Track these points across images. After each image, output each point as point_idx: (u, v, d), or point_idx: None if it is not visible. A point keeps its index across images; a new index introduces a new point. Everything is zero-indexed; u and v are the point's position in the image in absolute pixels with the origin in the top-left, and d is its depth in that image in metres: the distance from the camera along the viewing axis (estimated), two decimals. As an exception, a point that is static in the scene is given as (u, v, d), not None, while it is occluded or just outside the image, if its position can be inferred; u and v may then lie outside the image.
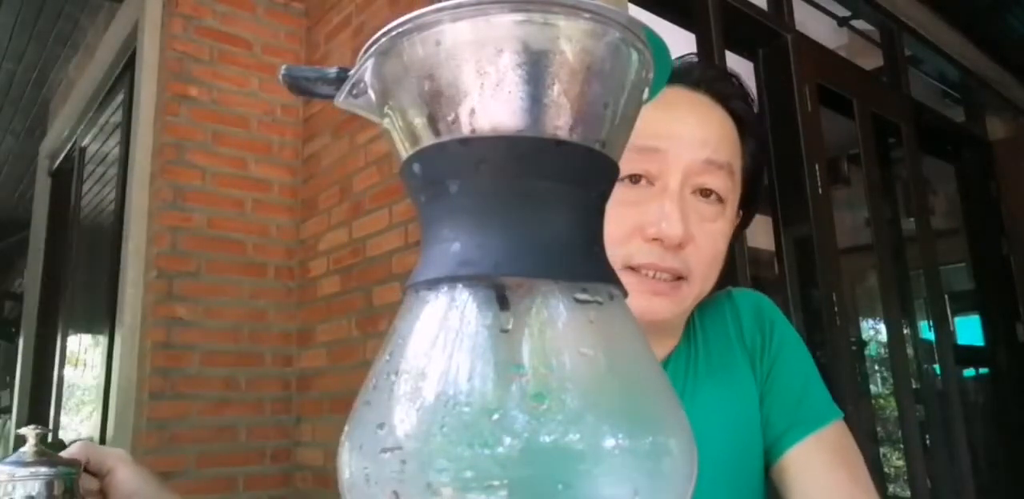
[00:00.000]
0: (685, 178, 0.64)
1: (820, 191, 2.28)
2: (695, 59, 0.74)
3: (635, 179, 0.64)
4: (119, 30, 2.71)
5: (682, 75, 0.68)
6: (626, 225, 0.63)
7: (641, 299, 0.62)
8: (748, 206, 0.72)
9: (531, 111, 0.27)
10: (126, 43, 2.62)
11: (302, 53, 2.47)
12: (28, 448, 0.55)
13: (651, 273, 0.63)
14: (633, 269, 0.63)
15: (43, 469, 0.53)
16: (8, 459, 0.54)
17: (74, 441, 0.62)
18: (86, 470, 0.58)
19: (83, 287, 3.07)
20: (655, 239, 0.62)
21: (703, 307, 0.74)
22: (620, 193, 0.63)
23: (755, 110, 0.73)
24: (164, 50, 2.28)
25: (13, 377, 3.78)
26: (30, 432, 0.56)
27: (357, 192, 2.13)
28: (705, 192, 0.65)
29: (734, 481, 0.68)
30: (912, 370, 2.59)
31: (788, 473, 0.68)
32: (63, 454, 0.58)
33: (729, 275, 1.30)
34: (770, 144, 2.35)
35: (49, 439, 0.59)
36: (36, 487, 0.53)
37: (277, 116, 2.39)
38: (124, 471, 0.60)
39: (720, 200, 0.66)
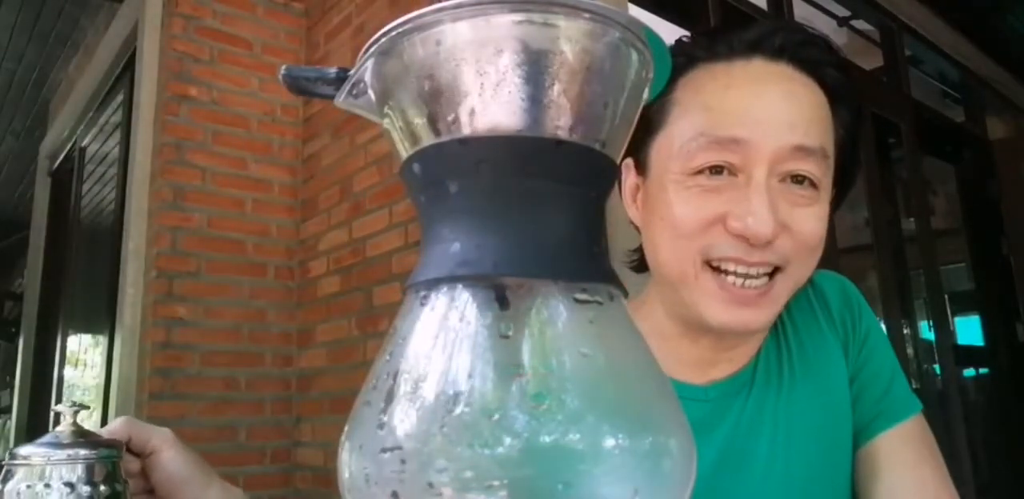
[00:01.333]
0: (772, 167, 0.57)
1: (820, 191, 2.28)
2: (773, 23, 0.64)
3: (716, 170, 0.58)
4: (119, 30, 2.71)
5: (760, 44, 0.60)
6: (705, 214, 0.57)
7: (725, 309, 0.57)
8: (843, 181, 0.65)
9: (531, 111, 0.27)
10: (126, 43, 2.62)
11: (302, 53, 2.47)
12: (65, 427, 0.49)
13: (737, 279, 0.57)
14: (713, 267, 0.57)
15: (83, 451, 0.47)
16: (43, 439, 0.48)
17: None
18: (127, 450, 0.52)
19: (83, 287, 3.07)
20: (741, 235, 0.56)
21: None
22: (698, 181, 0.58)
23: (847, 75, 0.63)
24: (164, 50, 2.28)
25: (13, 377, 3.78)
26: (67, 409, 0.50)
27: (357, 192, 2.13)
28: (797, 178, 0.58)
29: (829, 477, 0.66)
30: (912, 370, 2.59)
31: (874, 463, 0.66)
32: (103, 432, 0.52)
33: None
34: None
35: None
36: (75, 471, 0.47)
37: (277, 116, 2.39)
38: (170, 453, 0.54)
39: (814, 185, 0.59)
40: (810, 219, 0.58)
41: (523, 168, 0.27)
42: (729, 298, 0.57)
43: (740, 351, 0.67)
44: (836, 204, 0.66)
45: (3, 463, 0.48)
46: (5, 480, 0.46)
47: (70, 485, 0.46)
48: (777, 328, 0.69)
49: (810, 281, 0.66)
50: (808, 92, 0.60)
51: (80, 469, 0.47)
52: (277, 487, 2.13)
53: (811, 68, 0.60)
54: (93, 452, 0.47)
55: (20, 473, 0.46)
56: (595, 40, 0.28)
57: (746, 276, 0.57)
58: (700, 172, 0.58)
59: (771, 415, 0.66)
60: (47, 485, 0.46)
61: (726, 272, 0.57)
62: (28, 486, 0.46)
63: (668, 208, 0.59)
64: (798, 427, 0.65)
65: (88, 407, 0.53)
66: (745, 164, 0.57)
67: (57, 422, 0.51)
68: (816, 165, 0.58)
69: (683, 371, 0.66)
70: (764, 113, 0.57)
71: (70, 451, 0.47)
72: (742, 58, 0.60)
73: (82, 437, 0.48)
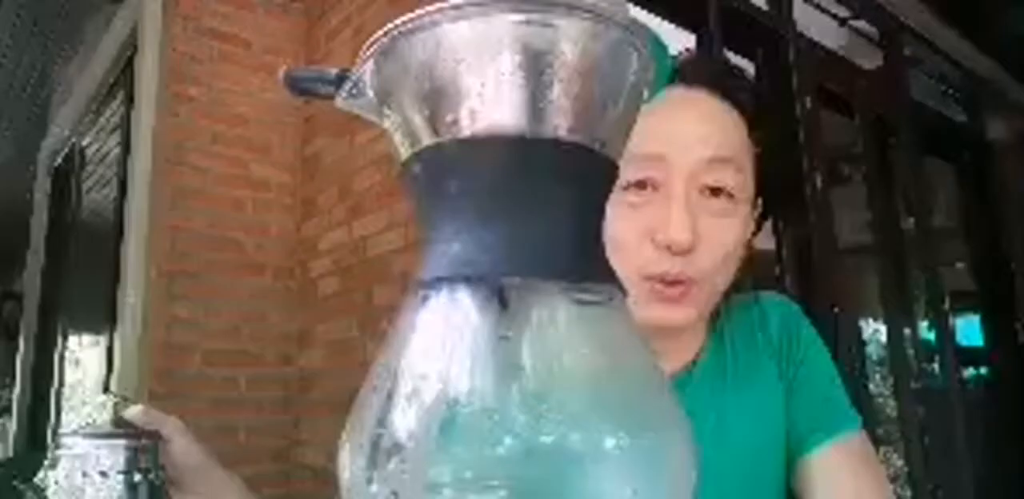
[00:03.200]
0: (690, 179, 0.62)
1: (820, 191, 2.28)
2: (691, 55, 0.72)
3: (641, 185, 0.63)
4: (119, 30, 2.71)
5: (679, 73, 0.67)
6: (637, 230, 0.62)
7: (656, 308, 0.62)
8: (767, 200, 0.70)
9: (531, 111, 0.27)
10: (126, 43, 2.62)
11: (302, 53, 2.47)
12: (106, 417, 0.50)
13: (660, 284, 0.62)
14: (646, 278, 0.62)
15: (124, 441, 0.48)
16: (84, 429, 0.49)
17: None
18: None
19: (83, 287, 3.07)
20: (666, 246, 0.61)
21: (731, 312, 0.74)
22: (627, 198, 0.62)
23: (760, 99, 0.70)
24: (164, 50, 2.28)
25: (13, 377, 3.78)
26: (108, 399, 0.51)
27: (357, 192, 2.13)
28: (714, 191, 0.63)
29: (757, 486, 0.68)
30: (912, 370, 2.59)
31: (811, 477, 0.68)
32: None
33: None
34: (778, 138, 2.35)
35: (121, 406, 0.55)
36: (118, 460, 0.47)
37: (277, 116, 2.39)
38: (181, 441, 0.56)
39: (731, 197, 0.64)
40: (727, 229, 0.64)
41: (523, 168, 0.27)
42: (657, 298, 0.62)
43: (671, 358, 0.70)
44: (759, 225, 0.71)
45: (50, 452, 0.48)
46: (50, 468, 0.47)
47: (110, 473, 0.47)
48: (719, 341, 0.73)
49: (756, 301, 0.75)
50: (721, 113, 0.66)
51: (122, 458, 0.47)
52: (277, 488, 2.13)
53: (724, 93, 0.67)
54: (134, 442, 0.48)
55: (64, 462, 0.47)
56: (595, 40, 0.28)
57: (673, 283, 0.62)
58: (627, 188, 0.62)
59: (703, 412, 0.68)
60: (86, 474, 0.47)
61: (654, 281, 0.63)
62: (69, 475, 0.47)
63: (607, 224, 0.62)
64: (730, 433, 0.67)
65: (129, 398, 0.55)
66: (665, 179, 0.62)
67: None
68: (731, 176, 0.64)
69: None
70: (680, 131, 0.63)
71: (113, 440, 0.48)
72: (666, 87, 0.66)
73: (124, 427, 0.50)
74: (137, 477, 0.48)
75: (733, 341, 0.73)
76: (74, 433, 0.49)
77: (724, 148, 0.64)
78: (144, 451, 0.49)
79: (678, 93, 0.66)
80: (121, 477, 0.47)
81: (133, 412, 0.55)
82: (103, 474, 0.47)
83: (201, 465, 0.57)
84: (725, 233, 0.63)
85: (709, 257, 0.62)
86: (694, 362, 0.71)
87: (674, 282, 0.62)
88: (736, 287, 0.70)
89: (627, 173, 0.61)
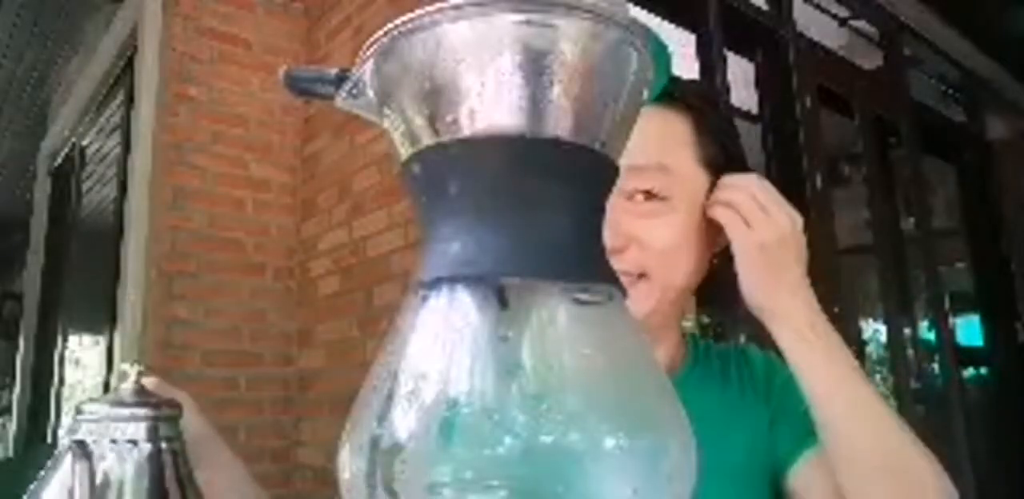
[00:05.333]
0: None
1: (820, 191, 2.28)
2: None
3: None
4: (119, 30, 2.71)
5: None
6: None
7: None
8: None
9: (531, 111, 0.27)
10: (126, 43, 2.62)
11: (302, 53, 2.47)
12: (128, 386, 0.49)
13: None
14: None
15: (145, 410, 0.47)
16: (105, 397, 0.49)
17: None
18: None
19: (83, 287, 3.07)
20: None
21: (711, 346, 0.78)
22: None
23: (711, 104, 0.72)
24: (164, 50, 2.28)
25: (13, 377, 3.78)
26: (131, 369, 0.50)
27: (357, 192, 2.13)
28: (645, 194, 0.66)
29: (753, 487, 0.69)
30: (912, 370, 2.59)
31: (796, 490, 0.68)
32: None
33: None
34: (769, 142, 2.35)
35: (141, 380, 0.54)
36: (139, 430, 0.47)
37: (277, 116, 2.39)
38: (191, 413, 0.57)
39: (661, 198, 0.66)
40: (657, 228, 0.66)
41: (523, 168, 0.27)
42: None
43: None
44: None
45: (72, 419, 0.48)
46: (71, 434, 0.47)
47: (133, 442, 0.47)
48: (696, 348, 0.76)
49: (740, 352, 0.78)
50: (661, 122, 0.68)
51: (143, 427, 0.47)
52: (277, 488, 2.13)
53: (674, 103, 0.69)
54: (156, 411, 0.48)
55: (84, 429, 0.47)
56: (595, 40, 0.28)
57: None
58: None
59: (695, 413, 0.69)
60: (112, 441, 0.46)
61: None
62: (93, 442, 0.46)
63: None
64: (714, 430, 0.68)
65: (147, 372, 0.54)
66: None
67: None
68: (655, 180, 0.66)
69: None
70: None
71: (134, 410, 0.48)
72: None
73: (145, 396, 0.49)
74: (163, 445, 0.48)
75: (720, 360, 0.76)
76: (97, 400, 0.49)
77: (646, 155, 0.65)
78: (166, 420, 0.49)
79: None
80: (148, 446, 0.47)
81: (149, 382, 0.55)
82: (129, 442, 0.47)
83: (212, 439, 0.59)
84: (655, 232, 0.66)
85: (647, 253, 0.65)
86: (672, 368, 0.73)
87: (621, 274, 0.63)
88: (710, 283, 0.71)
89: None
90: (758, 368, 0.77)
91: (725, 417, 0.70)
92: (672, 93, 0.69)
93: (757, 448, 0.71)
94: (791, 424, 0.71)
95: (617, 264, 0.62)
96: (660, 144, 0.67)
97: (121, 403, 0.48)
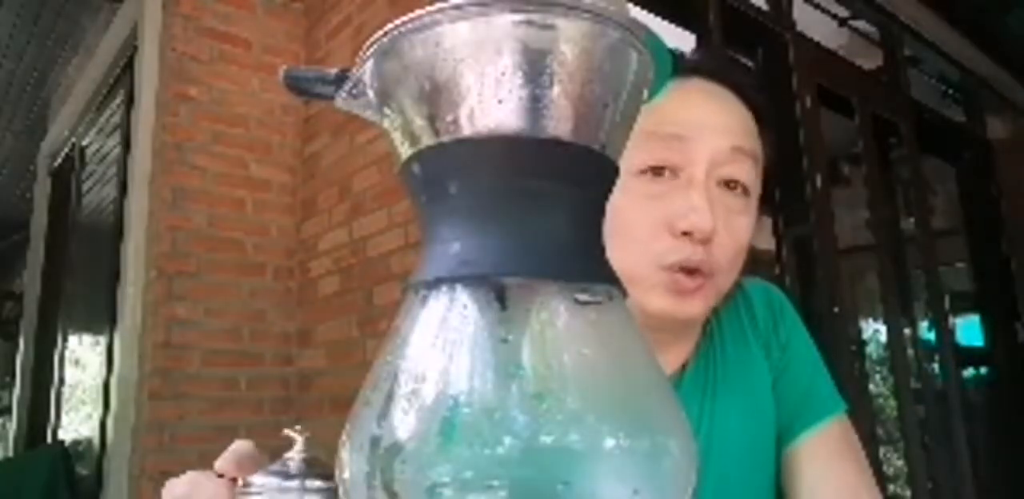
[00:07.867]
0: (711, 168, 0.60)
1: (820, 191, 2.28)
2: (703, 49, 0.73)
3: (658, 171, 0.60)
4: (119, 30, 2.71)
5: (696, 66, 0.65)
6: (653, 220, 0.60)
7: (671, 300, 0.60)
8: (766, 201, 0.69)
9: (531, 111, 0.27)
10: (126, 43, 2.62)
11: (302, 53, 2.47)
12: (296, 454, 0.45)
13: (680, 274, 0.60)
14: (664, 268, 0.60)
15: (317, 483, 0.42)
16: (272, 467, 0.45)
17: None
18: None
19: (83, 287, 3.07)
20: (684, 233, 0.59)
21: (717, 310, 0.72)
22: (642, 186, 0.60)
23: (768, 99, 0.69)
24: (164, 50, 2.28)
25: (13, 377, 3.78)
26: (298, 435, 0.46)
27: (357, 192, 2.13)
28: (731, 184, 0.62)
29: (753, 479, 0.68)
30: (912, 370, 2.59)
31: (795, 463, 0.68)
32: (231, 453, 0.48)
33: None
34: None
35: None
36: None
37: (277, 116, 2.39)
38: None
39: (746, 192, 0.63)
40: (738, 229, 0.62)
41: (523, 168, 0.27)
42: (674, 289, 0.60)
43: (667, 358, 0.68)
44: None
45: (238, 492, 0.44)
46: None
47: None
48: (708, 337, 0.72)
49: (740, 288, 0.72)
50: (739, 105, 0.65)
51: None
52: (277, 487, 2.13)
53: (739, 89, 0.66)
54: (326, 484, 0.43)
55: None
56: (595, 41, 0.28)
57: (692, 272, 0.60)
58: (644, 172, 0.60)
59: (695, 421, 0.67)
60: None
61: (672, 272, 0.61)
62: None
63: (617, 213, 0.61)
64: (721, 432, 0.67)
65: (307, 436, 0.48)
66: (687, 163, 0.60)
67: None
68: (749, 171, 0.62)
69: None
70: (703, 117, 0.62)
71: (302, 482, 0.43)
72: (683, 77, 0.64)
73: (315, 467, 0.44)
74: None
75: (723, 341, 0.72)
76: (269, 473, 0.45)
77: (747, 140, 0.62)
78: (333, 494, 0.43)
79: (697, 83, 0.64)
80: None
81: (244, 447, 0.50)
82: None
83: None
84: (739, 230, 0.62)
85: (724, 251, 0.61)
86: (683, 368, 0.70)
87: (693, 271, 0.60)
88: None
89: (643, 155, 0.60)
90: (760, 313, 0.73)
91: (736, 401, 0.68)
92: (737, 82, 0.66)
93: (761, 424, 0.69)
94: (793, 398, 0.70)
95: (698, 255, 0.59)
96: (752, 134, 0.64)
97: (287, 474, 0.44)
